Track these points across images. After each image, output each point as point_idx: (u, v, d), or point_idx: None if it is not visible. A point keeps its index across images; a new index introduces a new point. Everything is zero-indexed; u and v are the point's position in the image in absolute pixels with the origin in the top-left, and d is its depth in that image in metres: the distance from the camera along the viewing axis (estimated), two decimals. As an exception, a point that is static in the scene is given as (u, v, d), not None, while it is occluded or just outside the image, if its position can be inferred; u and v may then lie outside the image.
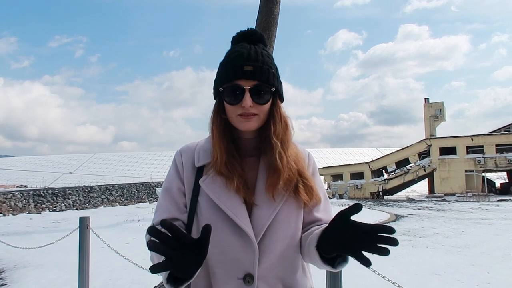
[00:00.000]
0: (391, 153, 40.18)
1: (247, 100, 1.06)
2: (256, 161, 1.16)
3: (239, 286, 1.05)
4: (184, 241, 0.85)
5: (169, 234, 0.84)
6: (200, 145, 1.20)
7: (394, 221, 13.78)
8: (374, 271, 3.08)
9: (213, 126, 1.15)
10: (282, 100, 1.18)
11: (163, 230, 0.85)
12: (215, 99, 1.17)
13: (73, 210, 21.77)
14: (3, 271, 6.36)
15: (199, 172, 1.15)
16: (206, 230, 0.86)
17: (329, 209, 1.22)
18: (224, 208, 1.07)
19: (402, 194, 37.41)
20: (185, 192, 1.15)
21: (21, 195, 22.52)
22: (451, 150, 35.02)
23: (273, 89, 1.11)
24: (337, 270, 1.03)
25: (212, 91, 1.18)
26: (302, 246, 1.13)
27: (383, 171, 38.65)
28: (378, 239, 0.87)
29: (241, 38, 1.17)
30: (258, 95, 1.08)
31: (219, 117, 1.14)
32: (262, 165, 1.14)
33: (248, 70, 1.07)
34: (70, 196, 25.15)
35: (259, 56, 1.10)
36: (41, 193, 23.99)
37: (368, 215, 15.52)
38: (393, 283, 3.01)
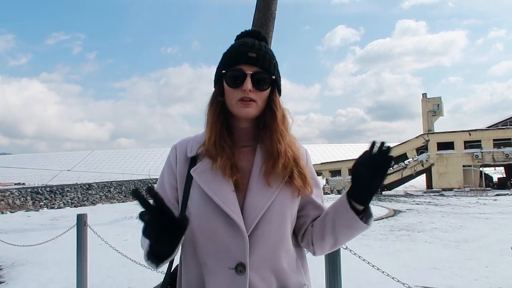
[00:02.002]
0: (389, 149, 40.21)
1: (248, 84, 1.10)
2: (251, 151, 1.17)
3: (231, 276, 1.04)
4: (165, 213, 0.89)
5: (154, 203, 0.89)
6: (194, 138, 1.22)
7: (393, 216, 13.80)
8: (373, 266, 3.08)
9: (209, 109, 1.18)
10: (280, 93, 1.21)
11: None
12: (215, 86, 1.20)
13: (71, 207, 21.72)
14: (1, 269, 6.35)
15: (192, 163, 1.15)
16: (186, 221, 0.92)
17: None
18: (213, 196, 1.07)
19: (400, 189, 37.51)
20: (178, 186, 1.16)
21: (19, 192, 22.46)
22: (449, 145, 35.12)
23: (273, 77, 1.15)
24: (369, 225, 1.09)
25: (213, 78, 1.20)
26: (322, 226, 1.14)
27: (381, 166, 38.71)
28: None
29: (245, 35, 1.22)
30: (258, 81, 1.12)
31: (217, 101, 1.17)
32: (258, 154, 1.16)
33: (251, 56, 1.12)
34: (68, 194, 25.10)
35: (262, 47, 1.16)
36: (39, 190, 23.93)
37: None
38: (392, 278, 3.01)
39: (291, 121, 1.20)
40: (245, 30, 1.23)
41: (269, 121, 1.15)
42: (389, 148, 0.99)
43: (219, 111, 1.16)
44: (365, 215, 1.07)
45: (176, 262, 1.18)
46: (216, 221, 1.06)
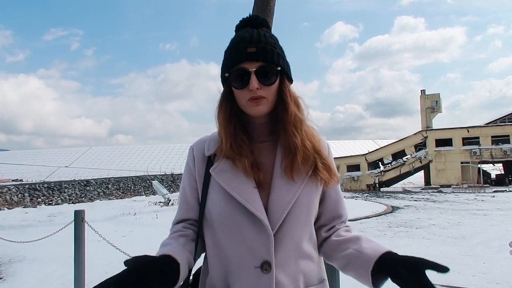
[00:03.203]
0: (387, 145, 40.29)
1: (254, 82, 1.04)
2: (273, 146, 1.13)
3: (257, 274, 1.01)
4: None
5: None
6: (211, 137, 1.18)
7: (391, 212, 13.83)
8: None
9: (219, 113, 1.12)
10: (290, 80, 1.14)
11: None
12: (223, 86, 1.15)
13: (69, 204, 21.75)
14: (-2, 265, 6.34)
15: (210, 162, 1.12)
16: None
17: (346, 207, 1.21)
18: (235, 194, 1.03)
19: (398, 185, 37.58)
20: (198, 186, 1.13)
21: (17, 189, 22.46)
22: (447, 142, 35.16)
23: (278, 68, 1.08)
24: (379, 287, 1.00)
25: (220, 80, 1.15)
26: (336, 252, 1.09)
27: (380, 163, 38.77)
28: None
29: (244, 25, 1.16)
30: (264, 76, 1.06)
31: (225, 103, 1.12)
32: (279, 149, 1.11)
33: (251, 51, 1.05)
34: (66, 190, 25.08)
35: (261, 38, 1.08)
36: (37, 187, 23.91)
37: (364, 207, 15.58)
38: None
39: (307, 111, 1.14)
40: (243, 18, 1.17)
41: (281, 114, 1.10)
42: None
43: (229, 112, 1.11)
44: (380, 277, 0.99)
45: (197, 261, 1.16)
46: (240, 220, 1.03)
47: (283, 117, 1.09)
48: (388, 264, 0.95)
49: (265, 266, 1.01)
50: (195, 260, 1.10)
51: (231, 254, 1.04)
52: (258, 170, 1.07)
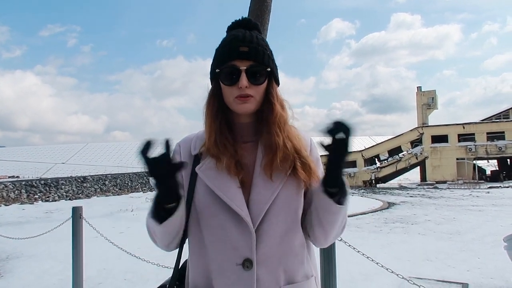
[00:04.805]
0: (383, 142, 40.34)
1: (243, 80, 1.07)
2: (254, 146, 1.15)
3: (238, 271, 1.04)
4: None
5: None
6: (197, 135, 1.20)
7: (387, 208, 13.90)
8: (367, 257, 3.11)
9: (207, 108, 1.16)
10: (278, 83, 1.18)
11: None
12: (212, 83, 1.18)
13: (66, 200, 21.69)
14: (-4, 262, 6.34)
15: (196, 160, 1.14)
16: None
17: None
18: (219, 192, 1.06)
19: (394, 182, 37.68)
20: (183, 183, 1.15)
21: (13, 185, 22.37)
22: (443, 138, 35.27)
23: (268, 69, 1.12)
24: (343, 205, 1.05)
25: (209, 76, 1.18)
26: (309, 216, 1.13)
27: (376, 159, 38.85)
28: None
29: (236, 26, 1.18)
30: (254, 75, 1.09)
31: (213, 100, 1.15)
32: (260, 148, 1.14)
33: (243, 51, 1.09)
34: (63, 187, 25.00)
35: (254, 39, 1.12)
36: (34, 183, 23.83)
37: (361, 203, 15.63)
38: (386, 269, 3.04)
39: (291, 113, 1.17)
40: (235, 20, 1.19)
41: (266, 114, 1.12)
42: (343, 141, 0.96)
43: (217, 109, 1.13)
44: (341, 196, 1.05)
45: (184, 258, 1.18)
46: (223, 218, 1.06)
47: (268, 117, 1.12)
48: (327, 170, 1.03)
49: (247, 264, 1.04)
50: (182, 243, 1.15)
51: (214, 252, 1.07)
52: (242, 169, 1.10)
